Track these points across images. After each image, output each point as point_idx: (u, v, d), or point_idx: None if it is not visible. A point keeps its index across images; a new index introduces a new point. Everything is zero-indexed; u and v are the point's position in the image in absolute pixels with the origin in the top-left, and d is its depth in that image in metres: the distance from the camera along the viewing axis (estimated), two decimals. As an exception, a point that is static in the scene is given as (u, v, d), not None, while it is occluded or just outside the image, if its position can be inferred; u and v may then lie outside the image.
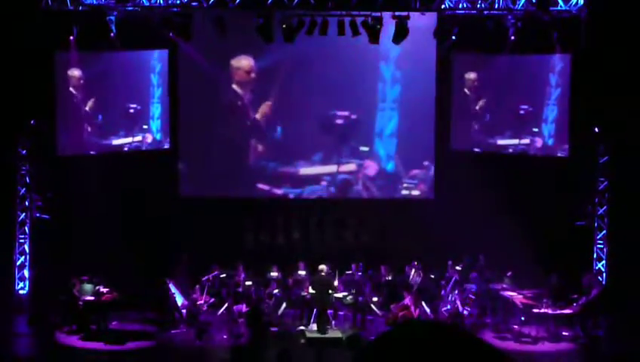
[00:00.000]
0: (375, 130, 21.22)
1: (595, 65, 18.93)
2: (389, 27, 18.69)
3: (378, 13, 18.51)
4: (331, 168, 21.26)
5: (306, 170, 21.19)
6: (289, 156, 21.19)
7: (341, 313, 18.78)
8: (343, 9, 18.71)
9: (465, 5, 19.26)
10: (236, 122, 21.05)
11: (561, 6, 18.99)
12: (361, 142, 21.22)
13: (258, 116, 21.00)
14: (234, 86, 20.91)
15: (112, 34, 19.39)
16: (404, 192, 21.29)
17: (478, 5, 19.23)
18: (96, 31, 19.16)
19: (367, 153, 21.26)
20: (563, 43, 19.43)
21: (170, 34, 19.60)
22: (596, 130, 19.74)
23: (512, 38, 19.59)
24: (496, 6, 19.23)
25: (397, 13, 18.61)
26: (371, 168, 21.25)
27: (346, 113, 21.05)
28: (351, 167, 21.28)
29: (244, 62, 20.74)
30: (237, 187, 21.05)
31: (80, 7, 18.95)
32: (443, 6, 19.23)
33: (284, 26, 18.51)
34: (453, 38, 19.81)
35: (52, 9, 18.73)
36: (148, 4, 19.12)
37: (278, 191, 21.22)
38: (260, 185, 21.09)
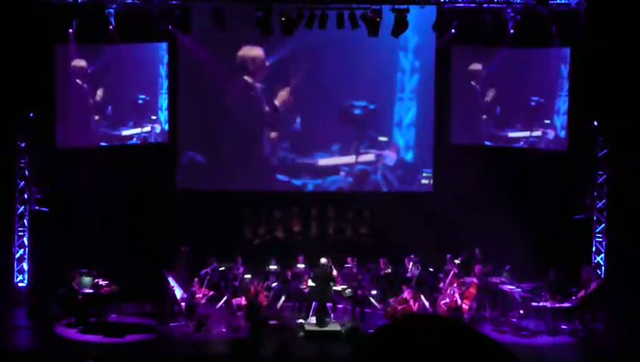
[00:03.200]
0: (394, 120, 21.19)
1: (594, 59, 18.92)
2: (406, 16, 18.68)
3: (377, 6, 18.49)
4: (350, 159, 21.22)
5: (324, 161, 21.17)
6: (308, 147, 21.18)
7: (340, 306, 18.79)
8: (342, 2, 18.69)
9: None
10: (250, 113, 21.00)
11: (560, -1, 18.99)
12: (380, 132, 21.18)
13: (277, 102, 20.93)
14: (246, 77, 20.85)
15: (111, 27, 19.38)
16: (424, 181, 21.26)
17: (478, -2, 19.23)
18: (95, 24, 19.15)
19: (386, 143, 21.23)
20: (562, 36, 19.42)
21: (170, 27, 19.59)
22: (595, 123, 19.74)
23: (512, 31, 19.58)
24: (496, -1, 19.23)
25: (396, 7, 18.61)
26: (390, 158, 21.24)
27: (364, 103, 21.03)
28: (370, 157, 21.24)
29: (255, 52, 20.65)
30: (253, 179, 21.03)
31: (79, 0, 18.94)
32: (442, -1, 19.22)
33: (283, 19, 18.49)
34: (453, 31, 19.82)
35: (51, 2, 18.72)
36: (147, -4, 19.11)
37: (297, 183, 21.21)
38: (280, 177, 21.10)
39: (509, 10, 19.37)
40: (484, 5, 19.28)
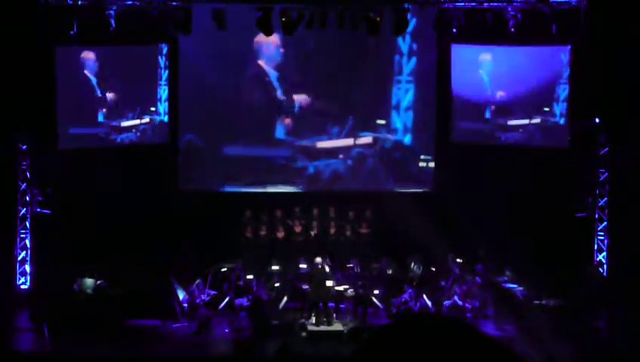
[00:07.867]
0: (392, 103, 21.19)
1: (595, 57, 18.91)
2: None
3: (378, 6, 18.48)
4: (348, 141, 21.24)
5: (322, 144, 21.18)
6: (306, 129, 21.18)
7: (342, 306, 18.79)
8: (342, 2, 18.67)
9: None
10: (261, 99, 21.00)
11: (560, -3, 18.98)
12: (378, 115, 21.19)
13: (297, 100, 20.97)
14: (260, 62, 20.86)
15: (111, 28, 19.37)
16: (422, 164, 21.30)
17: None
18: (96, 25, 19.15)
19: (383, 126, 21.24)
20: (563, 35, 19.40)
21: (170, 28, 19.60)
22: (596, 121, 19.73)
23: (512, 30, 19.56)
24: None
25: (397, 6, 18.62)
26: (388, 141, 21.25)
27: (362, 86, 21.03)
28: (367, 140, 21.27)
29: (272, 36, 20.66)
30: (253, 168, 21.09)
31: (79, 2, 18.95)
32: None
33: (283, 19, 18.49)
34: (454, 30, 19.80)
35: (52, 3, 18.72)
36: (147, -2, 19.13)
37: (296, 165, 21.23)
38: (278, 160, 21.16)
39: (509, 9, 19.35)
40: (485, 4, 19.26)
